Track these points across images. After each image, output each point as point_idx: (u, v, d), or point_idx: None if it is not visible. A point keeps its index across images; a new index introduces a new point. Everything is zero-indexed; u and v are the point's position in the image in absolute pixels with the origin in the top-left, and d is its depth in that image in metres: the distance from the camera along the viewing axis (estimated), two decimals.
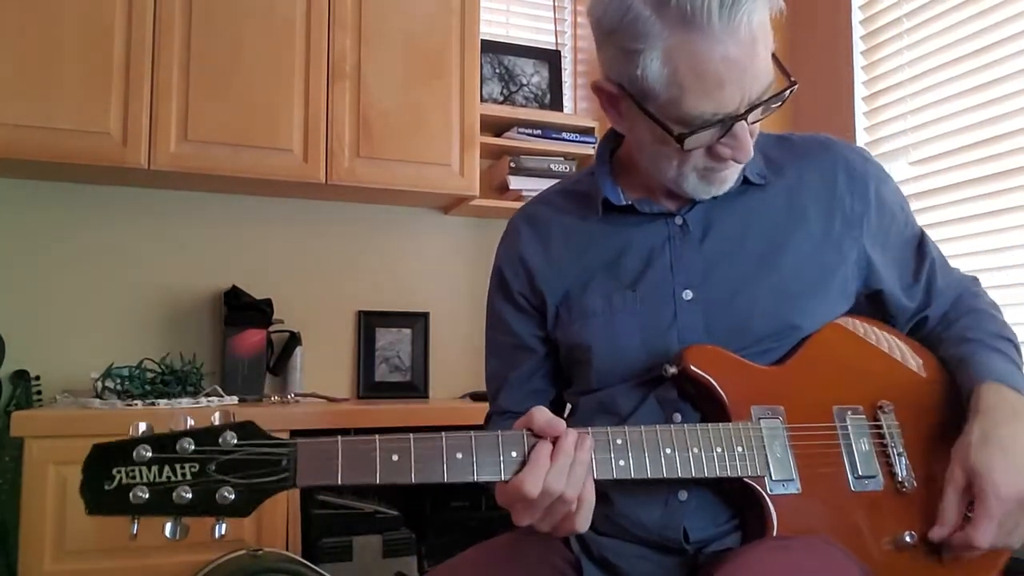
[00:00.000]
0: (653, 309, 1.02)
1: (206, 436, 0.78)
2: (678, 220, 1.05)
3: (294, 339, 2.48)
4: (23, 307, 2.28)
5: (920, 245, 1.12)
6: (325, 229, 2.61)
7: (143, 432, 0.78)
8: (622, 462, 0.88)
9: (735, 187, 1.04)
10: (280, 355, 2.48)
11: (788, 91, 0.94)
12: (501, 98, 2.81)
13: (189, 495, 0.76)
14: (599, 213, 1.08)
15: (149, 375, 2.08)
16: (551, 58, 2.92)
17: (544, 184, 2.64)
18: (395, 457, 0.81)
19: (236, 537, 1.91)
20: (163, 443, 0.77)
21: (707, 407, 0.98)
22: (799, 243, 1.04)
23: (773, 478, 0.93)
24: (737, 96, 0.89)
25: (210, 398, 2.10)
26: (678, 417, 0.99)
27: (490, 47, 2.78)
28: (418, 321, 2.66)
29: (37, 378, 2.25)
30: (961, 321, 1.08)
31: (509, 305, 1.15)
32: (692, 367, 0.96)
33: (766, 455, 0.93)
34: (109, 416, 1.88)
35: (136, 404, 1.97)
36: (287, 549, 1.95)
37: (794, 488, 0.93)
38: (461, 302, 2.73)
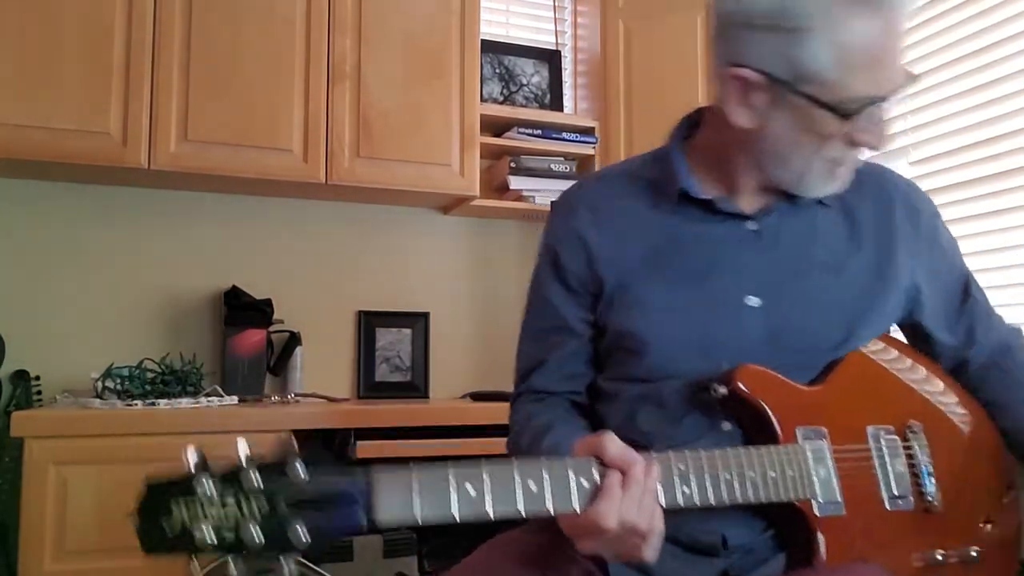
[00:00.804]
0: (717, 311, 1.01)
1: (273, 469, 0.71)
2: (752, 225, 1.04)
3: (294, 339, 2.48)
4: (23, 307, 2.28)
5: (967, 285, 1.14)
6: (325, 229, 2.61)
7: (198, 461, 0.72)
8: (686, 489, 0.87)
9: (808, 202, 1.04)
10: (280, 355, 2.48)
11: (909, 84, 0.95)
12: (501, 98, 2.81)
13: (259, 535, 0.69)
14: (673, 202, 1.05)
15: (149, 375, 2.08)
16: (551, 58, 2.91)
17: (544, 184, 2.67)
18: (471, 489, 0.78)
19: None
20: (226, 476, 0.71)
21: (752, 424, 0.98)
22: (856, 267, 1.04)
23: (820, 501, 0.93)
24: (896, 78, 0.89)
25: (210, 398, 2.10)
26: (727, 426, 0.99)
27: (490, 47, 2.78)
28: (418, 321, 2.66)
29: (37, 378, 2.25)
30: (1014, 373, 1.10)
31: (559, 285, 1.10)
32: (741, 388, 0.95)
33: (813, 478, 0.94)
34: (109, 416, 1.88)
35: (136, 404, 1.96)
36: None
37: (840, 510, 0.94)
38: (461, 302, 2.73)
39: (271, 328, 2.42)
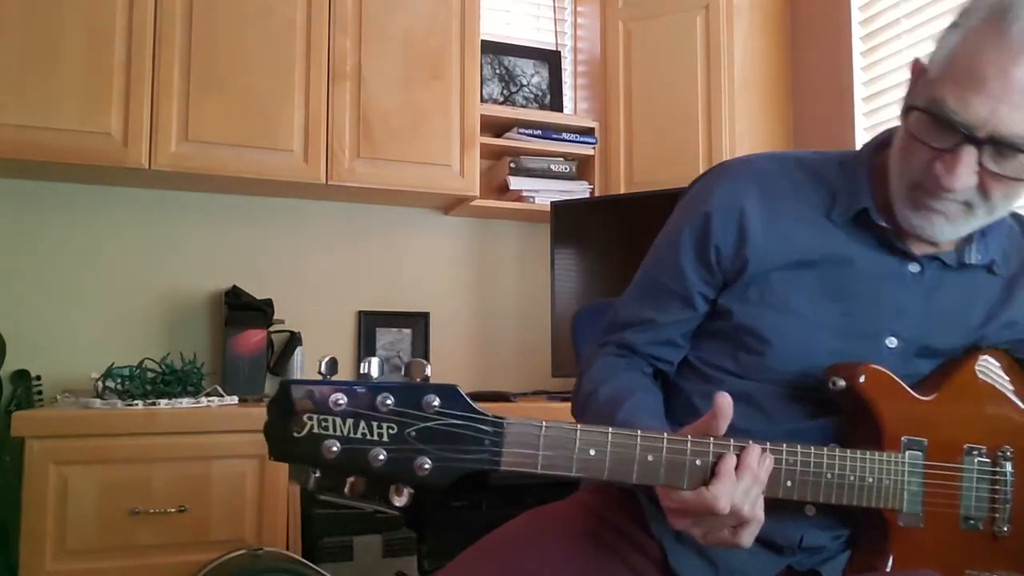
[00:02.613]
0: (853, 342, 0.99)
1: (407, 395, 0.71)
2: (914, 267, 1.00)
3: (294, 339, 2.48)
4: (24, 307, 2.29)
5: None
6: (325, 229, 2.61)
7: (330, 372, 0.72)
8: (789, 483, 0.88)
9: (977, 264, 1.00)
10: (280, 355, 2.49)
11: None
12: (501, 98, 2.82)
13: (383, 458, 0.69)
14: (847, 217, 1.00)
15: (150, 375, 2.08)
16: (551, 58, 2.92)
17: (544, 184, 2.67)
18: (592, 452, 0.79)
19: (236, 537, 1.91)
20: (360, 395, 0.70)
21: (858, 425, 0.97)
22: (995, 332, 1.03)
23: (904, 512, 0.94)
24: (984, 111, 0.84)
25: (211, 398, 2.10)
26: (828, 425, 0.98)
27: (490, 47, 2.78)
28: (418, 321, 2.66)
29: (38, 378, 2.25)
30: None
31: (696, 251, 1.03)
32: (864, 387, 0.94)
33: (904, 489, 0.94)
34: (110, 416, 1.89)
35: (137, 404, 1.97)
36: (287, 549, 1.95)
37: (918, 523, 0.95)
38: (461, 302, 2.74)
39: (271, 328, 2.42)
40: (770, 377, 0.99)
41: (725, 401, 0.84)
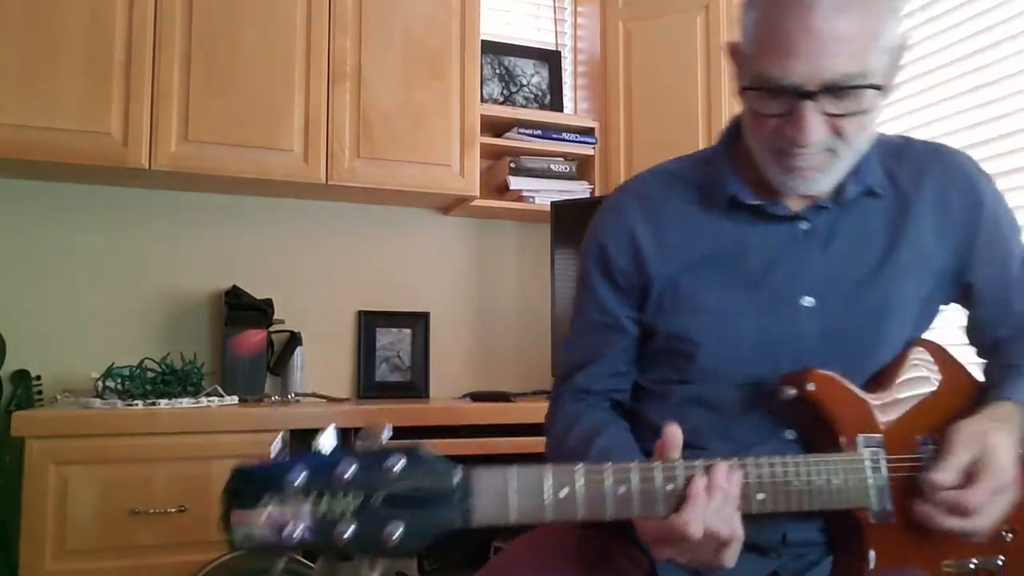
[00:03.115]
0: (772, 314, 1.01)
1: (368, 461, 0.67)
2: (804, 225, 1.03)
3: (294, 339, 2.48)
4: (23, 307, 2.29)
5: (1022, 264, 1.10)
6: (325, 229, 2.61)
7: (285, 450, 0.68)
8: (761, 495, 0.88)
9: (857, 196, 1.02)
10: (280, 355, 2.49)
11: (869, 88, 0.90)
12: (501, 98, 2.82)
13: (351, 533, 0.64)
14: (724, 207, 1.05)
15: (150, 375, 2.08)
16: (551, 58, 2.92)
17: (544, 184, 2.67)
18: (563, 492, 0.77)
19: None
20: (319, 466, 0.65)
21: (814, 429, 0.98)
22: (907, 257, 1.03)
23: (874, 509, 0.95)
24: (805, 69, 0.88)
25: (210, 398, 2.10)
26: (790, 434, 1.00)
27: (490, 47, 2.78)
28: (418, 321, 2.66)
29: (38, 378, 2.25)
30: (1015, 345, 1.09)
31: (607, 282, 1.09)
32: (813, 392, 0.95)
33: (869, 486, 0.95)
34: (110, 416, 1.89)
35: (137, 404, 1.97)
36: None
37: (890, 518, 0.95)
38: (461, 302, 2.74)
39: (271, 328, 2.42)
40: (711, 375, 1.02)
41: (671, 430, 0.85)
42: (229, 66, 2.24)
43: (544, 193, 2.64)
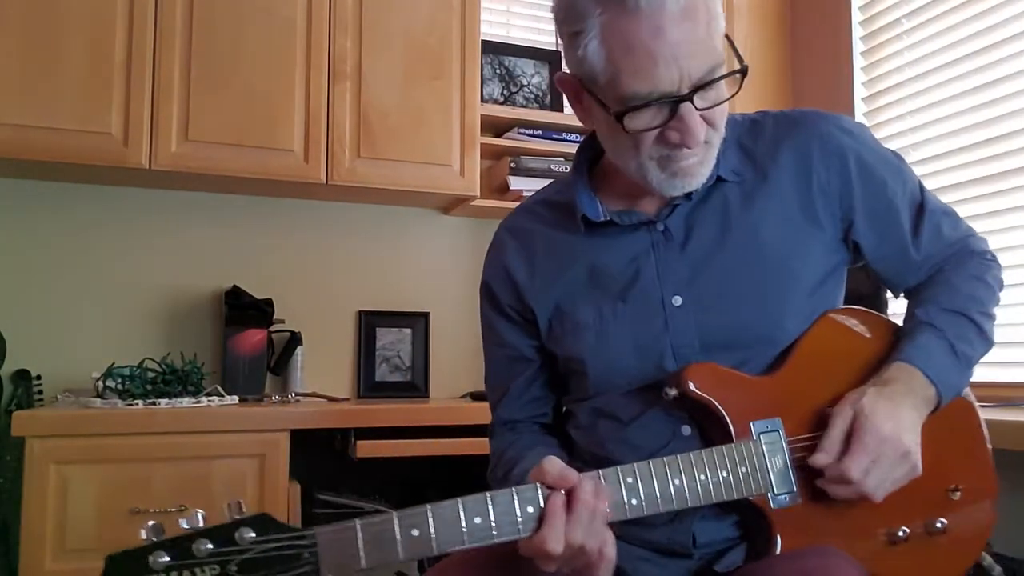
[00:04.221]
0: (644, 318, 1.02)
1: (221, 534, 0.75)
2: (659, 227, 1.04)
3: (295, 339, 2.48)
4: (24, 307, 2.29)
5: (919, 211, 1.07)
6: (326, 229, 2.61)
7: (154, 535, 0.76)
8: (634, 501, 0.88)
9: (709, 184, 1.01)
10: (281, 355, 2.49)
11: (736, 75, 0.92)
12: (501, 98, 2.82)
13: None
14: (581, 228, 1.07)
15: (150, 375, 2.08)
16: (551, 58, 2.92)
17: (544, 184, 2.66)
18: (415, 532, 0.81)
19: None
20: (179, 547, 0.75)
21: (708, 422, 0.98)
22: (782, 233, 1.02)
23: (775, 492, 0.94)
24: (673, 74, 0.88)
25: (211, 398, 2.10)
26: (687, 430, 0.99)
27: (490, 47, 2.78)
28: (418, 321, 2.66)
29: (38, 378, 2.25)
30: (920, 294, 1.07)
31: (501, 317, 1.14)
32: (692, 389, 0.95)
33: (768, 471, 0.94)
34: (110, 416, 1.89)
35: (137, 404, 1.97)
36: None
37: (796, 499, 0.95)
38: (461, 302, 2.74)
39: (272, 328, 2.42)
40: (603, 387, 1.04)
41: (548, 465, 0.86)
42: (229, 66, 2.24)
43: None
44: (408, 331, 2.65)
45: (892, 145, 2.39)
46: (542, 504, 0.84)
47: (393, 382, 2.62)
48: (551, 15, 1.00)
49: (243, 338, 2.35)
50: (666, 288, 1.02)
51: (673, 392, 0.96)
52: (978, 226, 2.10)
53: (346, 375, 2.60)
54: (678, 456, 0.91)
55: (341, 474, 2.26)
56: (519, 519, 0.84)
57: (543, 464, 0.86)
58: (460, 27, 2.49)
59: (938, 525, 0.99)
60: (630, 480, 0.88)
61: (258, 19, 2.27)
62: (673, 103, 0.90)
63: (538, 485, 0.85)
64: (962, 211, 2.14)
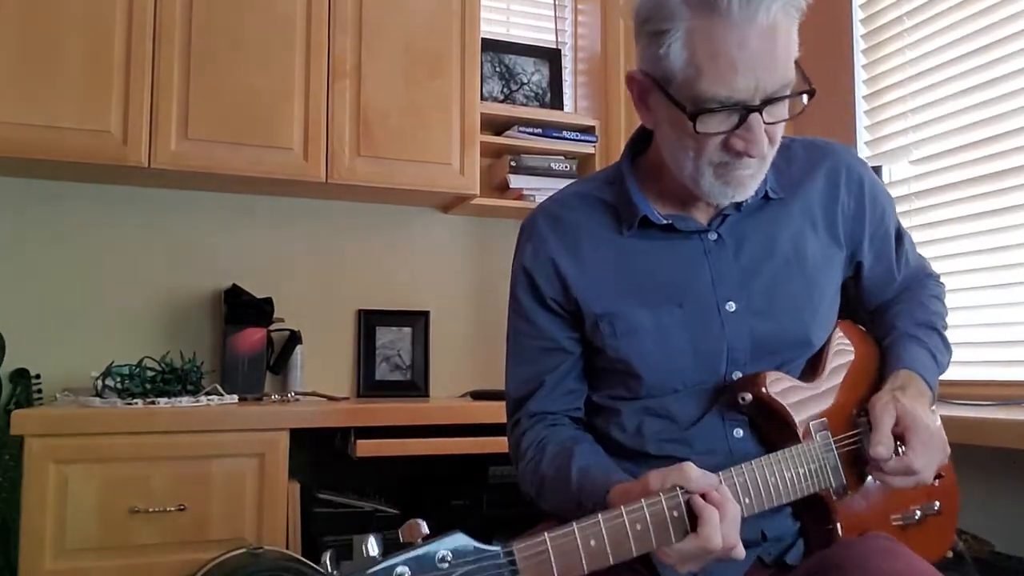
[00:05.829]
0: (701, 323, 1.07)
1: (420, 562, 0.76)
2: (712, 235, 1.09)
3: (294, 338, 2.48)
4: (23, 306, 2.29)
5: (899, 238, 1.22)
6: (325, 228, 2.61)
7: (338, 566, 0.76)
8: (747, 500, 0.96)
9: (756, 201, 1.09)
10: (280, 353, 2.49)
11: (804, 95, 0.98)
12: (501, 97, 2.81)
13: None
14: (634, 228, 1.10)
15: (149, 374, 2.08)
16: (551, 57, 2.91)
17: (544, 183, 2.66)
18: (593, 543, 0.83)
19: (236, 535, 1.91)
20: None
21: (769, 425, 1.06)
22: (814, 249, 1.12)
23: (833, 486, 1.04)
24: (751, 84, 0.93)
25: (210, 397, 2.10)
26: (739, 432, 1.07)
27: (490, 46, 2.78)
28: (418, 320, 2.66)
29: (37, 376, 2.25)
30: (893, 308, 1.20)
31: (541, 308, 1.14)
32: (769, 395, 1.03)
33: (827, 467, 1.04)
34: (109, 415, 1.89)
35: (137, 403, 1.97)
36: (287, 548, 1.95)
37: (846, 491, 1.05)
38: (461, 301, 2.73)
39: (271, 327, 2.42)
40: (658, 389, 1.08)
41: (690, 470, 0.89)
42: (229, 64, 2.24)
43: (544, 192, 2.63)
44: (408, 330, 2.65)
45: (892, 144, 2.39)
46: (684, 507, 0.87)
47: (393, 381, 2.62)
48: (631, 15, 1.03)
49: (242, 337, 2.35)
50: (720, 295, 1.08)
51: (748, 396, 1.03)
52: (978, 225, 2.12)
53: (346, 374, 2.60)
54: (763, 459, 0.99)
55: (341, 473, 2.26)
56: (670, 524, 0.87)
57: (685, 470, 0.89)
58: (460, 25, 2.48)
59: (935, 507, 1.11)
60: (741, 480, 0.96)
61: (257, 17, 2.27)
62: (744, 112, 0.95)
63: (679, 490, 0.88)
64: (962, 210, 2.16)
